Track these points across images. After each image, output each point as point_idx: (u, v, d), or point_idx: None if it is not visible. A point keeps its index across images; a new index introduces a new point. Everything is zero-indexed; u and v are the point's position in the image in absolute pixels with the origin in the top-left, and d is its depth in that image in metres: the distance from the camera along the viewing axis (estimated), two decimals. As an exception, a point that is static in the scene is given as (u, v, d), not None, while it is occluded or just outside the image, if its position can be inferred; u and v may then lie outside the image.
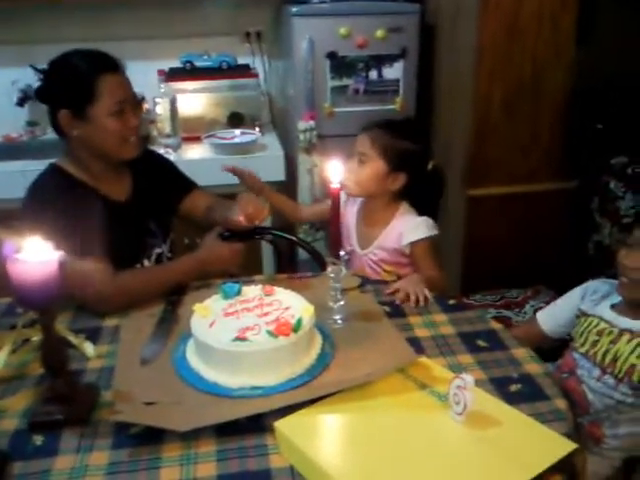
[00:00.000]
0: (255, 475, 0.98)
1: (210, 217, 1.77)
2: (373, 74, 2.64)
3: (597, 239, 2.58)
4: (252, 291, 1.32)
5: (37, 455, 1.03)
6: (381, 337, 1.31)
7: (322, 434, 1.06)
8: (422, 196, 1.77)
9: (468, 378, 1.01)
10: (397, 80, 2.67)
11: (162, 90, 2.73)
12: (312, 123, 2.59)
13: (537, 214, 2.61)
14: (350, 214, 1.85)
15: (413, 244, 1.72)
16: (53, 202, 1.47)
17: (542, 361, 1.27)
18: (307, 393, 1.11)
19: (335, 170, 1.29)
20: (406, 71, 2.66)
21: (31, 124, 2.83)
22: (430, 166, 1.76)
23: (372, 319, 1.39)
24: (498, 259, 2.56)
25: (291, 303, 1.26)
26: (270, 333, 1.15)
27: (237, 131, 2.77)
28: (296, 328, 1.17)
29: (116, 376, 1.21)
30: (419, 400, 1.10)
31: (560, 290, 1.80)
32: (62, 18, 2.73)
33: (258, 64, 2.98)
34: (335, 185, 1.30)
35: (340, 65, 2.60)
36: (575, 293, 1.68)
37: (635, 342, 1.47)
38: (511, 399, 1.12)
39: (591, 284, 1.67)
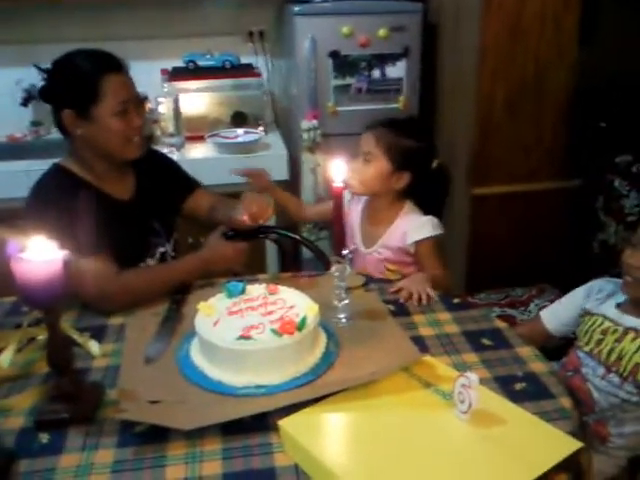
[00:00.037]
0: (260, 473, 0.98)
1: (214, 216, 1.77)
2: (376, 73, 2.64)
3: (602, 238, 2.58)
4: (256, 290, 1.32)
5: (43, 453, 1.03)
6: (385, 336, 1.31)
7: (326, 433, 1.06)
8: (427, 195, 1.77)
9: (473, 377, 1.01)
10: (400, 79, 2.67)
11: (165, 90, 2.73)
12: (315, 122, 2.59)
13: (540, 213, 2.60)
14: (354, 213, 1.85)
15: (418, 243, 1.72)
16: (57, 201, 1.47)
17: (547, 360, 1.26)
18: (311, 392, 1.11)
19: (338, 169, 1.29)
20: (409, 70, 2.66)
21: (35, 124, 2.83)
22: (435, 165, 1.76)
23: (376, 318, 1.39)
24: (502, 258, 2.56)
25: (295, 302, 1.26)
26: (274, 332, 1.15)
27: (240, 130, 2.77)
28: (300, 327, 1.17)
29: (121, 375, 1.21)
30: (424, 399, 1.10)
31: (565, 289, 1.79)
32: (62, 18, 2.74)
33: (261, 63, 2.98)
34: (338, 184, 1.30)
35: (343, 64, 2.60)
36: (579, 292, 1.68)
37: (640, 341, 1.47)
38: (516, 397, 1.12)
39: (595, 283, 1.66)
